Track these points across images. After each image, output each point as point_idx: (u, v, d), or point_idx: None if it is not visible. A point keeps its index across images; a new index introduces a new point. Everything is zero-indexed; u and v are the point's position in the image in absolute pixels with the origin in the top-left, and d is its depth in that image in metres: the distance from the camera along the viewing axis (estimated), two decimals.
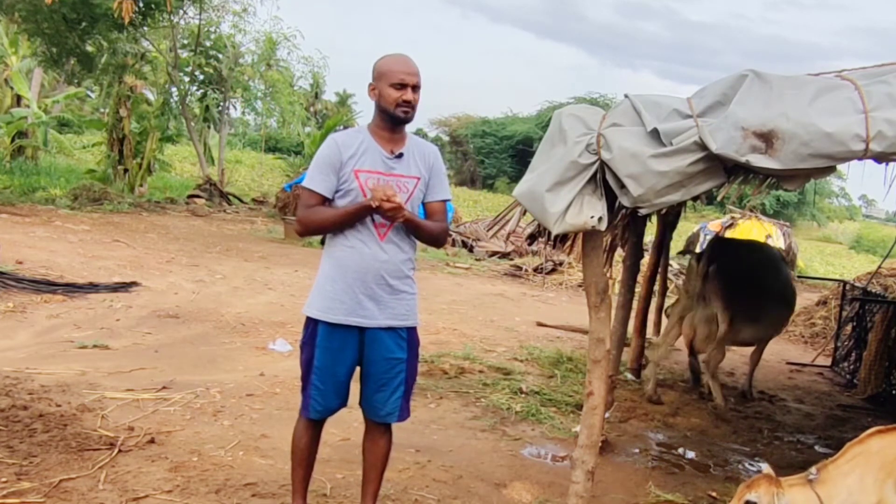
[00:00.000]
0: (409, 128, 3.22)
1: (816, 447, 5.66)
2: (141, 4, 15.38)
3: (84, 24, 15.43)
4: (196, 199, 18.23)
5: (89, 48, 16.53)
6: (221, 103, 21.80)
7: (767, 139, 2.83)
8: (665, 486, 4.41)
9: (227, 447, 4.14)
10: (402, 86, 3.03)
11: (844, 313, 9.10)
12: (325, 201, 3.09)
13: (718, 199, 4.84)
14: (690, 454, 5.11)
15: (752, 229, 15.20)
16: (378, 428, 3.26)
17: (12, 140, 19.90)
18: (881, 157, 2.88)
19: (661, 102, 3.10)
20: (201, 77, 20.78)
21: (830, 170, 2.96)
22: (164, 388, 5.01)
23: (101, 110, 21.65)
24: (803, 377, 8.34)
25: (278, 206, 17.19)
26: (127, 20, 14.11)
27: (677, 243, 11.62)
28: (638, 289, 6.79)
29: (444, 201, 3.26)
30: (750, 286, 6.09)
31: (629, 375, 6.88)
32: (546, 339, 8.31)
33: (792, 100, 2.86)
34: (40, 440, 3.92)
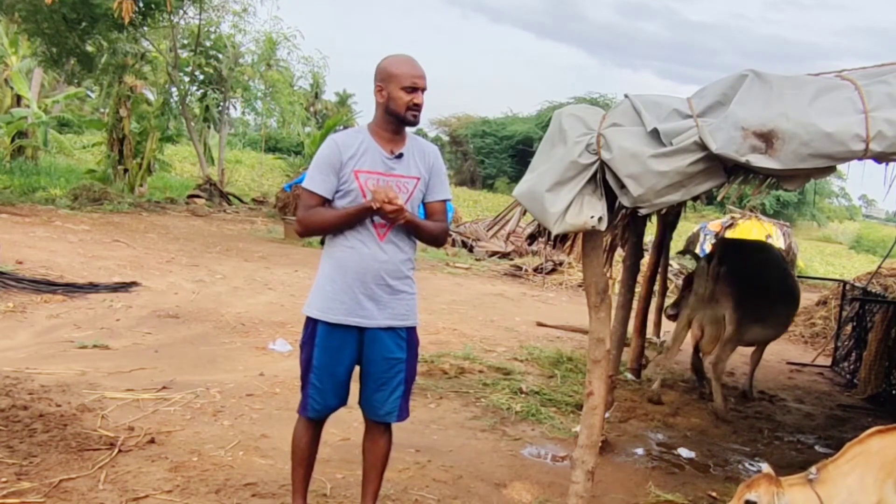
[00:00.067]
0: (410, 128, 3.22)
1: (816, 447, 5.66)
2: (141, 4, 15.38)
3: (84, 24, 15.43)
4: (196, 199, 18.22)
5: (89, 48, 16.53)
6: (221, 103, 21.80)
7: (767, 139, 2.83)
8: (665, 486, 4.41)
9: (227, 447, 4.14)
10: (413, 89, 3.03)
11: (844, 313, 9.10)
12: (325, 202, 3.09)
13: (718, 199, 4.84)
14: (690, 454, 5.10)
15: (752, 229, 15.22)
16: (378, 428, 3.26)
17: (12, 140, 19.90)
18: (881, 157, 2.88)
19: (661, 102, 3.10)
20: (201, 77, 20.78)
21: (830, 170, 2.96)
22: (164, 388, 5.01)
23: (101, 110, 21.65)
24: (803, 377, 8.34)
25: (278, 206, 17.19)
26: (127, 20, 14.12)
27: (677, 243, 11.61)
28: (638, 289, 6.79)
29: (444, 201, 3.26)
30: (759, 287, 6.09)
31: (629, 375, 6.88)
32: (546, 339, 8.31)
33: (792, 100, 2.86)
34: (40, 440, 3.92)
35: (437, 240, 3.29)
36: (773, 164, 2.84)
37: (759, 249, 7.20)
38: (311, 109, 33.01)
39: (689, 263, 12.58)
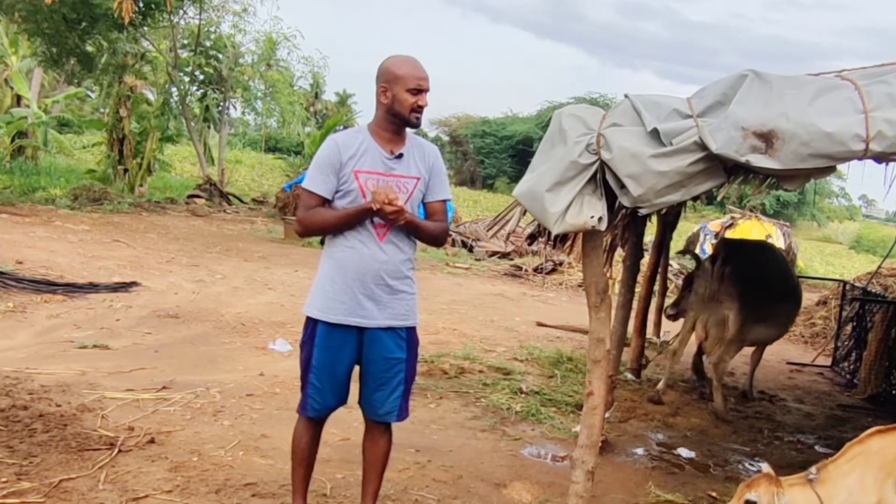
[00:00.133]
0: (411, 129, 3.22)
1: (816, 447, 5.66)
2: (141, 4, 15.38)
3: (84, 24, 15.43)
4: (196, 199, 18.22)
5: (89, 48, 16.53)
6: (221, 103, 21.80)
7: (767, 139, 2.83)
8: (665, 486, 4.41)
9: (227, 447, 4.14)
10: (418, 91, 3.03)
11: (844, 313, 9.10)
12: (325, 202, 3.09)
13: (718, 199, 4.84)
14: (690, 454, 5.10)
15: (752, 229, 15.22)
16: (378, 427, 3.26)
17: (12, 140, 19.90)
18: (881, 157, 2.88)
19: (661, 102, 3.10)
20: (201, 77, 20.78)
21: (830, 170, 2.96)
22: (164, 388, 5.01)
23: (101, 110, 21.65)
24: (803, 377, 8.34)
25: (278, 206, 17.18)
26: (127, 20, 14.12)
27: (677, 243, 11.61)
28: (638, 289, 6.79)
29: (444, 201, 3.26)
30: (762, 287, 6.09)
31: (629, 375, 6.88)
32: (546, 339, 8.32)
33: (792, 100, 2.86)
34: (40, 440, 3.92)
35: (437, 240, 3.29)
36: (773, 164, 2.84)
37: (761, 249, 7.21)
38: (311, 109, 33.01)
39: (689, 263, 12.57)
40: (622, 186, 3.05)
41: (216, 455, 4.02)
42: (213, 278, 9.45)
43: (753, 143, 2.84)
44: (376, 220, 3.06)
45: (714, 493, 4.40)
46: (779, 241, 14.90)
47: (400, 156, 3.12)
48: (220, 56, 20.34)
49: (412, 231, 3.13)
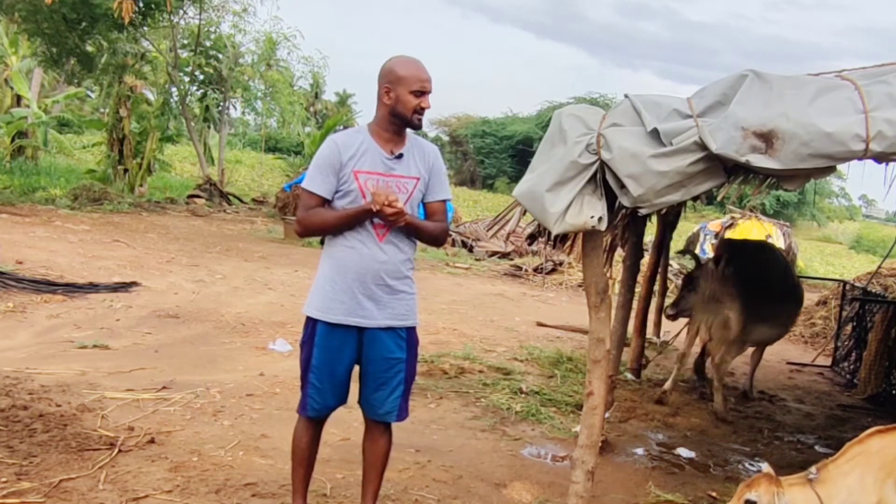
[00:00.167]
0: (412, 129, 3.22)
1: (816, 447, 5.66)
2: (141, 4, 15.38)
3: (84, 24, 15.42)
4: (196, 199, 18.22)
5: (89, 48, 16.52)
6: (221, 103, 21.79)
7: (767, 139, 2.83)
8: (665, 486, 4.41)
9: (227, 447, 4.14)
10: (421, 93, 3.03)
11: (844, 313, 9.10)
12: (325, 202, 3.09)
13: (718, 199, 4.84)
14: (690, 454, 5.10)
15: (752, 229, 15.21)
16: (378, 427, 3.26)
17: (12, 140, 19.90)
18: (881, 157, 2.89)
19: (661, 102, 3.10)
20: (201, 77, 20.77)
21: (830, 170, 2.97)
22: (164, 388, 5.01)
23: (101, 110, 21.65)
24: (803, 377, 8.34)
25: (278, 206, 17.18)
26: (127, 20, 14.11)
27: (677, 243, 11.61)
28: (638, 289, 6.79)
29: (444, 201, 3.27)
30: (765, 287, 6.10)
31: (629, 375, 6.88)
32: (546, 339, 8.31)
33: (792, 100, 2.86)
34: (40, 440, 3.92)
35: (436, 240, 3.30)
36: (773, 164, 2.84)
37: (763, 250, 7.23)
38: (311, 109, 33.01)
39: (689, 263, 12.57)
40: (622, 186, 3.05)
41: (216, 455, 4.02)
42: (213, 278, 9.45)
43: (753, 143, 2.84)
44: (376, 220, 3.06)
45: (714, 493, 4.40)
46: (779, 241, 14.90)
47: (400, 156, 3.12)
48: (220, 56, 20.34)
49: (412, 232, 3.13)
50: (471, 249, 15.81)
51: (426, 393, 5.61)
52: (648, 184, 2.98)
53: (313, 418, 3.22)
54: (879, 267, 10.04)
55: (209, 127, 23.14)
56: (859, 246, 37.48)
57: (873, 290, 8.89)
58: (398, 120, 3.07)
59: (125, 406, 4.59)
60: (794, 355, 9.33)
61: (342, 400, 3.22)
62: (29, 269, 8.34)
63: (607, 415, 5.01)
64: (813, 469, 3.09)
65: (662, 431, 5.57)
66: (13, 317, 6.64)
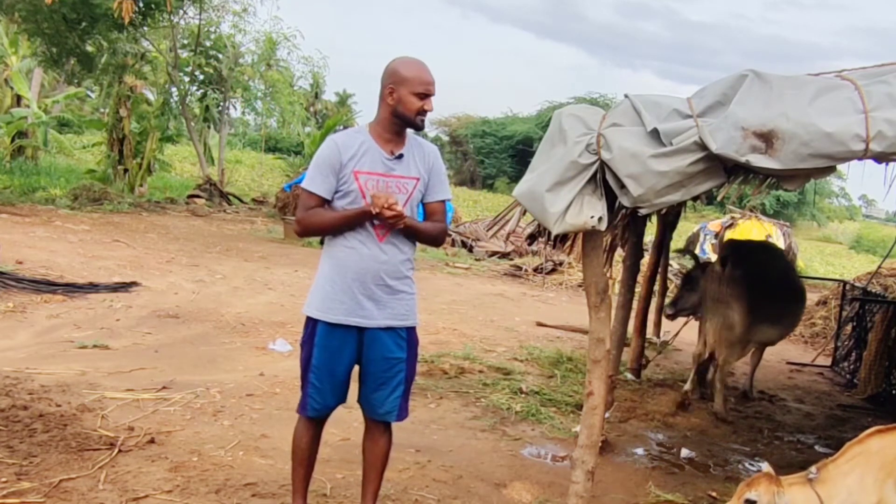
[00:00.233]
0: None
1: (816, 447, 5.66)
2: (141, 4, 15.38)
3: (84, 24, 15.42)
4: (196, 199, 18.22)
5: (89, 48, 16.52)
6: (221, 103, 21.79)
7: (767, 139, 2.84)
8: (665, 486, 4.41)
9: (227, 447, 4.14)
10: (425, 95, 3.03)
11: (844, 313, 9.11)
12: (325, 202, 3.09)
13: (718, 199, 4.85)
14: (690, 454, 5.10)
15: (752, 229, 15.20)
16: (378, 427, 3.26)
17: (12, 140, 19.90)
18: (881, 157, 2.89)
19: (661, 102, 3.10)
20: (201, 77, 20.77)
21: (830, 170, 2.97)
22: (164, 388, 5.01)
23: (101, 110, 21.65)
24: (803, 377, 8.34)
25: (278, 206, 17.18)
26: (127, 20, 14.11)
27: (677, 243, 11.62)
28: (638, 289, 6.79)
29: (444, 201, 3.27)
30: (771, 288, 6.10)
31: (629, 375, 6.88)
32: (546, 339, 8.32)
33: (792, 100, 2.87)
34: (40, 440, 3.92)
35: (435, 240, 3.30)
36: (773, 164, 2.85)
37: (768, 251, 7.25)
38: (311, 109, 33.00)
39: (689, 263, 12.57)
40: (622, 186, 3.05)
41: (216, 455, 4.02)
42: (213, 278, 9.45)
43: (753, 143, 2.84)
44: (376, 221, 3.06)
45: (714, 493, 4.40)
46: (779, 241, 14.89)
47: (400, 156, 3.12)
48: (220, 56, 20.34)
49: (411, 233, 3.13)
50: (471, 249, 15.80)
51: (426, 393, 5.61)
52: (648, 184, 2.98)
53: (313, 418, 3.22)
54: (879, 267, 10.04)
55: (209, 127, 23.14)
56: (859, 246, 37.47)
57: (873, 290, 8.89)
58: (400, 121, 3.07)
59: (125, 406, 4.59)
60: (794, 355, 9.33)
61: (342, 399, 3.22)
62: (29, 269, 8.34)
63: (607, 415, 5.01)
64: (813, 469, 3.09)
65: (662, 431, 5.57)
66: (13, 317, 6.64)
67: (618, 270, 7.58)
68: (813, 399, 7.32)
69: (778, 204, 37.98)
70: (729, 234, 14.76)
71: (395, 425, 3.31)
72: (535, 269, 13.60)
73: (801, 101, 2.86)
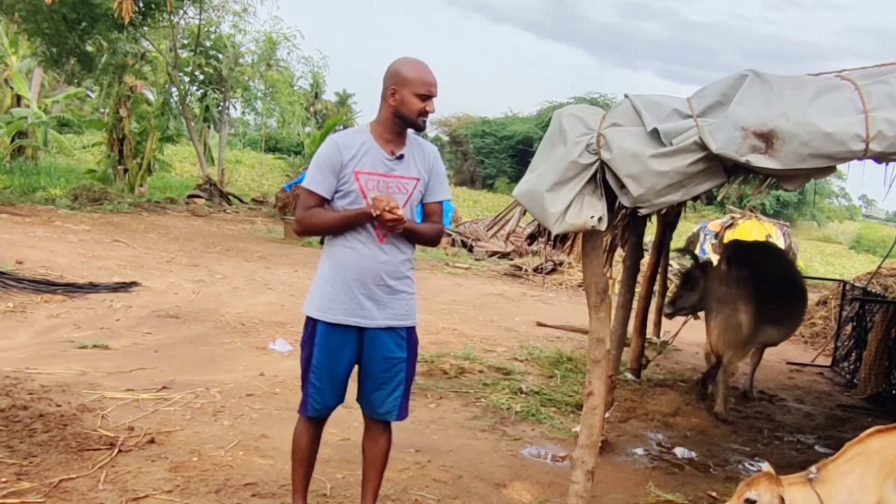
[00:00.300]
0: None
1: (816, 447, 5.66)
2: (141, 4, 15.38)
3: (84, 24, 15.43)
4: (196, 199, 18.22)
5: (89, 48, 16.52)
6: (221, 103, 21.80)
7: (767, 139, 2.84)
8: (665, 486, 4.41)
9: (227, 447, 4.14)
10: (427, 97, 3.03)
11: (844, 313, 9.11)
12: (325, 202, 3.09)
13: (718, 199, 4.84)
14: (690, 454, 5.10)
15: (752, 229, 15.19)
16: (377, 426, 3.26)
17: (12, 140, 19.90)
18: (881, 157, 2.89)
19: (661, 102, 3.10)
20: (201, 77, 20.78)
21: (830, 170, 2.97)
22: (164, 388, 5.01)
23: (101, 110, 21.66)
24: (803, 377, 8.34)
25: (278, 206, 17.18)
26: (127, 20, 14.12)
27: (677, 243, 11.61)
28: (638, 289, 6.79)
29: (442, 202, 3.27)
30: (775, 289, 6.10)
31: (629, 375, 6.88)
32: (546, 339, 8.32)
33: (792, 100, 2.87)
34: (40, 440, 3.92)
35: (432, 241, 3.31)
36: (773, 164, 2.85)
37: (771, 251, 7.27)
38: (311, 109, 33.00)
39: (689, 263, 12.57)
40: (622, 186, 3.05)
41: (216, 455, 4.02)
42: (213, 278, 9.45)
43: (753, 143, 2.84)
44: (376, 222, 3.06)
45: (714, 493, 4.40)
46: (779, 241, 14.87)
47: (401, 157, 3.12)
48: (220, 56, 20.34)
49: (409, 235, 3.13)
50: (471, 249, 15.80)
51: (426, 393, 5.61)
52: (648, 184, 2.98)
53: (314, 418, 3.23)
54: (879, 267, 10.03)
55: (209, 127, 23.14)
56: (859, 246, 37.47)
57: (873, 290, 8.89)
58: (402, 121, 3.07)
59: (125, 406, 4.59)
60: (794, 355, 9.32)
61: (342, 399, 3.22)
62: (29, 269, 8.34)
63: (607, 415, 5.01)
64: (813, 469, 3.09)
65: (662, 431, 5.57)
66: (13, 317, 6.64)
67: (618, 270, 7.58)
68: (813, 399, 7.32)
69: (778, 204, 37.98)
70: (729, 234, 14.75)
71: (395, 425, 3.31)
72: (535, 269, 13.60)
73: (801, 101, 2.86)
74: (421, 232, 3.16)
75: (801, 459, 5.08)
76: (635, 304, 6.63)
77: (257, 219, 17.20)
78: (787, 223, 19.20)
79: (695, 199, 3.62)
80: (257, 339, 6.77)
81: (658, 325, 8.02)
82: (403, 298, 3.16)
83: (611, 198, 3.15)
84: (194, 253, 11.27)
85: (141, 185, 18.06)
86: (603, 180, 3.11)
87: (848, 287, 9.42)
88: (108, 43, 16.54)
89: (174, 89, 19.47)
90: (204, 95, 21.40)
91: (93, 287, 7.94)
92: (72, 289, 7.75)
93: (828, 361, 8.96)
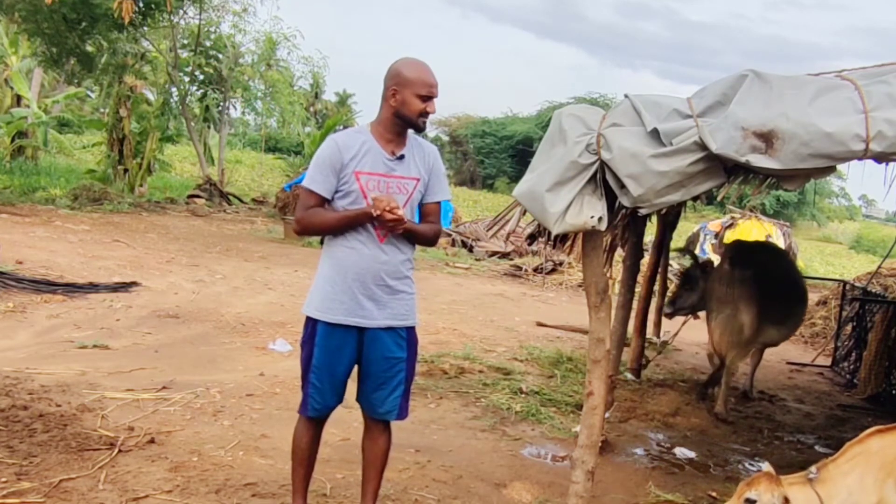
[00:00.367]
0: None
1: (816, 447, 5.66)
2: (141, 4, 15.39)
3: (84, 24, 15.43)
4: (196, 199, 18.22)
5: (89, 48, 16.53)
6: (221, 103, 21.80)
7: (767, 139, 2.84)
8: (665, 486, 4.41)
9: (227, 447, 4.14)
10: (428, 98, 3.03)
11: (844, 313, 9.11)
12: (325, 202, 3.09)
13: (718, 199, 4.84)
14: (690, 454, 5.10)
15: (752, 229, 15.20)
16: (377, 426, 3.26)
17: (12, 140, 19.90)
18: (881, 157, 2.89)
19: (661, 102, 3.10)
20: (201, 77, 20.78)
21: (830, 170, 2.97)
22: (164, 388, 5.01)
23: (101, 110, 21.66)
24: (803, 377, 8.34)
25: (278, 206, 17.18)
26: (127, 20, 14.12)
27: (677, 243, 11.61)
28: (638, 289, 6.79)
29: (439, 203, 3.28)
30: (777, 289, 6.10)
31: (629, 375, 6.88)
32: (546, 339, 8.32)
33: (792, 100, 2.87)
34: (40, 440, 3.92)
35: (431, 241, 3.31)
36: (773, 164, 2.85)
37: (773, 252, 7.27)
38: (311, 109, 33.00)
39: (689, 263, 12.56)
40: (622, 186, 3.05)
41: (216, 455, 4.02)
42: (213, 278, 9.45)
43: (753, 143, 2.84)
44: (376, 223, 3.06)
45: (714, 493, 4.40)
46: (779, 241, 14.87)
47: (401, 157, 3.12)
48: (220, 56, 20.35)
49: (409, 235, 3.13)
50: (471, 249, 15.80)
51: (426, 393, 5.61)
52: (648, 184, 2.98)
53: (314, 418, 3.23)
54: (879, 267, 10.03)
55: (209, 127, 23.15)
56: (859, 246, 37.47)
57: (873, 290, 8.89)
58: (402, 122, 3.07)
59: (125, 406, 4.59)
60: (794, 355, 9.32)
61: (341, 399, 3.23)
62: (29, 269, 8.34)
63: (607, 415, 5.01)
64: (813, 469, 3.09)
65: (662, 431, 5.57)
66: (13, 317, 6.64)
67: (618, 270, 7.58)
68: (813, 399, 7.32)
69: (778, 204, 37.98)
70: (729, 234, 14.75)
71: (394, 425, 3.32)
72: (535, 269, 13.60)
73: (801, 101, 2.86)
74: (420, 232, 3.17)
75: (801, 459, 5.08)
76: (635, 304, 6.63)
77: (257, 219, 17.20)
78: (787, 223, 19.21)
79: (695, 199, 3.62)
80: (257, 339, 6.77)
81: (658, 325, 8.01)
82: (403, 298, 3.16)
83: (611, 198, 3.15)
84: (194, 253, 11.27)
85: (141, 185, 18.06)
86: (603, 180, 3.11)
87: (848, 287, 9.42)
88: (108, 43, 16.54)
89: (174, 89, 19.47)
90: (204, 95, 21.41)
91: (93, 287, 7.94)
92: (72, 289, 7.75)
93: (828, 361, 8.96)
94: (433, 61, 3.14)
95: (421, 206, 3.23)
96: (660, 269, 7.45)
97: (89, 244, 10.74)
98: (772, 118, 2.83)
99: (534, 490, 4.09)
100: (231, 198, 19.57)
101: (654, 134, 3.00)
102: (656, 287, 7.57)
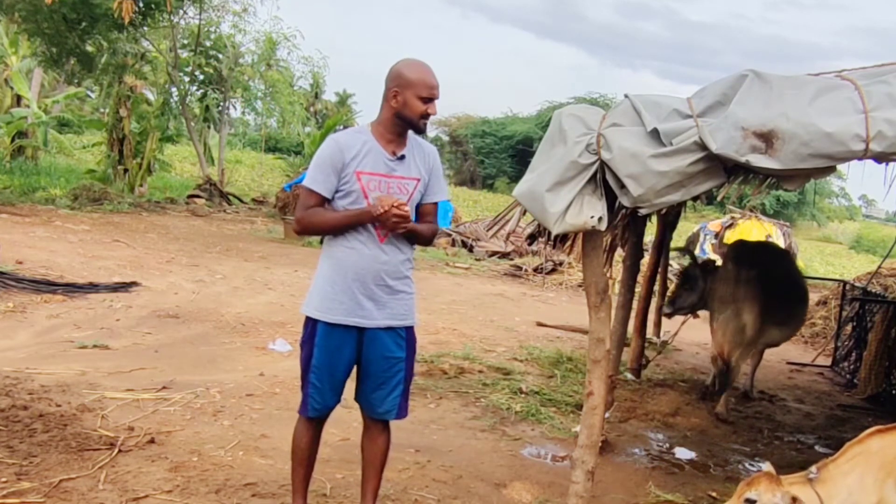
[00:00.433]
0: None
1: (816, 447, 5.66)
2: (141, 4, 15.39)
3: (84, 24, 15.43)
4: (196, 199, 18.22)
5: (89, 48, 16.53)
6: (221, 103, 21.80)
7: (767, 139, 2.84)
8: (665, 486, 4.41)
9: (227, 447, 4.14)
10: (429, 99, 3.03)
11: (844, 313, 9.10)
12: (325, 201, 3.09)
13: (718, 199, 4.84)
14: (690, 454, 5.11)
15: (752, 229, 15.19)
16: (377, 425, 3.26)
17: (12, 140, 19.90)
18: (881, 157, 2.89)
19: (661, 102, 3.10)
20: (201, 77, 20.78)
21: (830, 170, 2.97)
22: (164, 388, 5.01)
23: (101, 110, 21.66)
24: (803, 377, 8.34)
25: (278, 206, 17.18)
26: (127, 20, 14.13)
27: (677, 243, 11.61)
28: (638, 289, 6.79)
29: (437, 203, 3.28)
30: (779, 290, 6.11)
31: (629, 375, 6.88)
32: (546, 339, 8.31)
33: (792, 100, 2.87)
34: (40, 440, 3.92)
35: (429, 241, 3.33)
36: (773, 164, 2.85)
37: (774, 251, 7.27)
38: (311, 109, 33.00)
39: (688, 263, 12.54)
40: (622, 186, 3.05)
41: (216, 455, 4.02)
42: (213, 278, 9.45)
43: (753, 143, 2.84)
44: (377, 223, 3.07)
45: (714, 493, 4.40)
46: (779, 241, 14.87)
47: (402, 157, 3.12)
48: (220, 56, 20.35)
49: (410, 236, 3.14)
50: (471, 249, 15.79)
51: (426, 393, 5.61)
52: (648, 184, 2.98)
53: (314, 418, 3.23)
54: (879, 267, 10.03)
55: (209, 127, 23.14)
56: (859, 246, 37.46)
57: (873, 290, 8.89)
58: (403, 123, 3.07)
59: (125, 406, 4.59)
60: (794, 355, 9.32)
61: (340, 398, 3.23)
62: (29, 269, 8.34)
63: (607, 415, 5.01)
64: (813, 469, 3.09)
65: (662, 431, 5.57)
66: (13, 317, 6.64)
67: (618, 270, 7.57)
68: (813, 399, 7.32)
69: (778, 204, 37.98)
70: (729, 234, 14.75)
71: (394, 425, 3.32)
72: (535, 269, 13.60)
73: (801, 101, 2.86)
74: (421, 232, 3.17)
75: (801, 459, 5.08)
76: (635, 304, 6.63)
77: (257, 219, 17.20)
78: (787, 223, 19.20)
79: (695, 199, 3.62)
80: (257, 339, 6.77)
81: (658, 325, 8.01)
82: (403, 298, 3.16)
83: (611, 198, 3.15)
84: (194, 253, 11.27)
85: (141, 185, 18.06)
86: (603, 180, 3.11)
87: (848, 287, 9.42)
88: (108, 43, 16.54)
89: (174, 89, 19.47)
90: (204, 95, 21.41)
91: (93, 287, 7.94)
92: (72, 289, 7.75)
93: (828, 361, 8.96)
94: (433, 61, 3.14)
95: (420, 206, 3.24)
96: (660, 269, 7.45)
97: (89, 244, 10.74)
98: (772, 118, 2.83)
99: (534, 490, 4.09)
100: (231, 198, 19.57)
101: (655, 134, 3.00)
102: (656, 287, 7.57)
